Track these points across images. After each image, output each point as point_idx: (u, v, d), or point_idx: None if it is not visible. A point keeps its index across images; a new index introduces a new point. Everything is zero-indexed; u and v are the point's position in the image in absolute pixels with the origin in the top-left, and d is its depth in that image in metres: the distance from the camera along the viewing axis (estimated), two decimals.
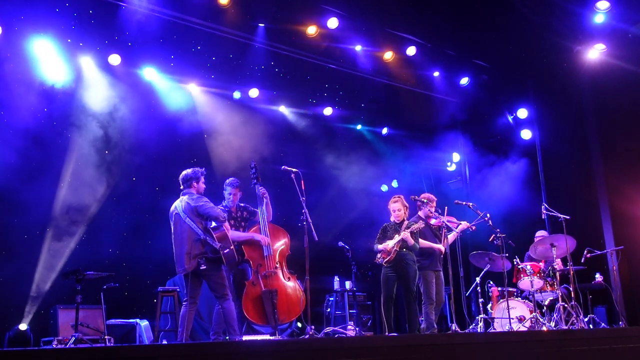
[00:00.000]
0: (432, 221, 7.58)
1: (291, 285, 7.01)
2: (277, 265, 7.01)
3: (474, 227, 7.62)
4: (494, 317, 8.11)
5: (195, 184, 6.47)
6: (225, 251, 6.11)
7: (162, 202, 9.32)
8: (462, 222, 7.63)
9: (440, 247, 7.38)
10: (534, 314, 7.46)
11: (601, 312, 9.04)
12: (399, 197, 7.51)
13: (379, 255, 7.34)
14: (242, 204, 7.21)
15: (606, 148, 9.90)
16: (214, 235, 6.16)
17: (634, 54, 9.54)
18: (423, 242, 7.41)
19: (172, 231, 6.37)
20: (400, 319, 8.87)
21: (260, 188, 7.01)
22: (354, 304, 9.30)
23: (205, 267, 6.11)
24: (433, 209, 7.57)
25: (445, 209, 7.74)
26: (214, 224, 6.29)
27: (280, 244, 7.13)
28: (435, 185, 11.76)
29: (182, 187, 6.51)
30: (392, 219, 7.46)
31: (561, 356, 5.53)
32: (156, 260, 8.98)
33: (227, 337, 6.33)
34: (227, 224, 6.47)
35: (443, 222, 7.33)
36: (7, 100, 8.21)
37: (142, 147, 9.26)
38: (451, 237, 7.51)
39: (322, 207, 10.10)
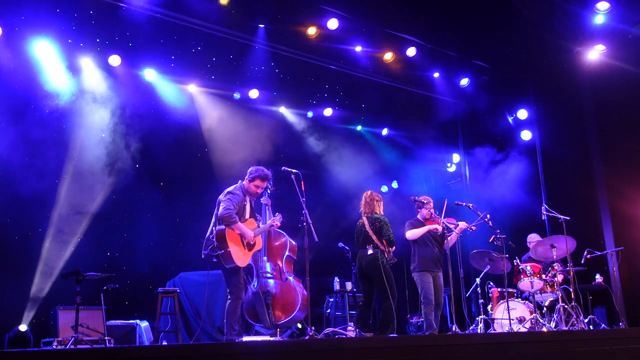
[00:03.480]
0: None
1: (287, 286, 7.00)
2: (274, 267, 7.01)
3: (473, 228, 7.58)
4: (494, 318, 8.10)
5: (247, 179, 6.43)
6: (220, 252, 6.02)
7: (162, 203, 9.38)
8: (460, 222, 7.62)
9: (437, 226, 7.43)
10: (534, 315, 7.46)
11: (601, 313, 9.03)
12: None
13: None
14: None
15: (606, 148, 9.89)
16: (214, 232, 6.11)
17: (633, 55, 9.53)
18: (417, 231, 7.46)
19: None
20: (399, 318, 8.86)
21: (263, 198, 6.97)
22: (354, 304, 9.28)
23: (215, 260, 6.12)
24: (432, 210, 7.57)
25: (445, 202, 7.72)
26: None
27: (277, 245, 7.13)
28: (435, 185, 11.76)
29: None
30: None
31: (561, 357, 5.52)
32: (156, 261, 8.98)
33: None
34: (241, 224, 6.23)
35: (443, 222, 7.33)
36: (7, 101, 8.21)
37: (142, 148, 9.27)
38: (452, 239, 7.50)
39: (322, 208, 10.09)
